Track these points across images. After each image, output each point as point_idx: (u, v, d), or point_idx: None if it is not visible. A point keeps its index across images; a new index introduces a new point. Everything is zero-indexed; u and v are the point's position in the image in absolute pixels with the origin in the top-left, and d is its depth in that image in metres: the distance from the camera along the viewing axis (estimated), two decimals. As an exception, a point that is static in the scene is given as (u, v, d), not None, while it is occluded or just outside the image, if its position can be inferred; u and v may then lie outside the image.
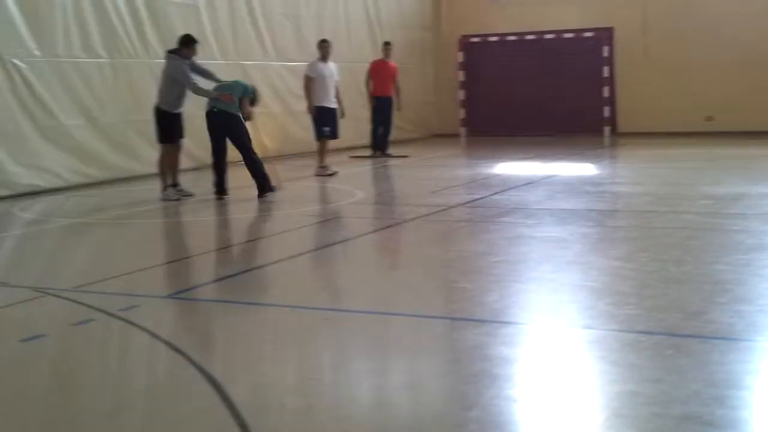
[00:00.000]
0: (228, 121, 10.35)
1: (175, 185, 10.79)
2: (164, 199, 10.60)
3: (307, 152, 15.89)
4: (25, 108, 11.42)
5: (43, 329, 5.33)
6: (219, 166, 10.47)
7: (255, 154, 10.49)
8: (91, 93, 12.37)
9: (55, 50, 11.83)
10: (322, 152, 13.26)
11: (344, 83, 16.68)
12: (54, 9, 11.79)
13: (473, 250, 7.43)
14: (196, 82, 10.59)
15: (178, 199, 10.60)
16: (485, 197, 10.34)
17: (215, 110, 10.37)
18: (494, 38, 20.64)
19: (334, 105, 13.36)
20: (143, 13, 13.14)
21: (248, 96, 10.56)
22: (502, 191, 10.82)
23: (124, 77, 12.88)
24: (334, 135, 13.38)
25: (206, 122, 10.47)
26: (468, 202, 10.12)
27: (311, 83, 13.22)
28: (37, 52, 11.57)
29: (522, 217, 8.88)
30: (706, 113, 18.73)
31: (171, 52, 10.83)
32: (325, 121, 13.20)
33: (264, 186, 10.43)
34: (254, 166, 10.44)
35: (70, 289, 6.20)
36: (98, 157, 12.47)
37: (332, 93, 13.33)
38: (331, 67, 13.43)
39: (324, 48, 13.48)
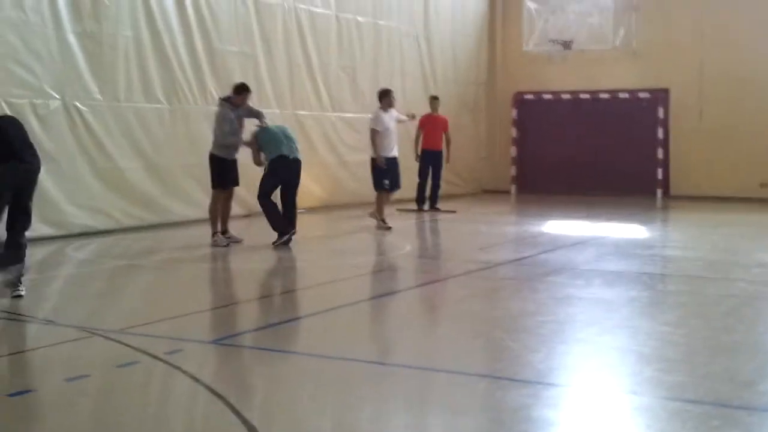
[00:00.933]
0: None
1: (224, 231, 10.89)
2: (213, 245, 10.70)
3: (358, 203, 15.98)
4: (83, 150, 11.67)
5: (88, 369, 5.38)
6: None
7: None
8: (148, 138, 12.61)
9: (116, 95, 12.10)
10: (380, 204, 12.93)
11: (399, 139, 16.83)
12: (117, 55, 12.09)
13: (520, 308, 7.36)
14: (229, 131, 10.73)
15: (227, 245, 10.69)
16: (533, 255, 10.27)
17: (290, 156, 10.81)
18: (548, 96, 20.66)
19: (394, 154, 13.03)
20: (203, 62, 13.41)
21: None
22: (551, 250, 10.73)
23: (182, 123, 13.11)
24: (393, 187, 13.04)
25: (282, 168, 10.76)
26: (516, 260, 10.06)
27: (376, 136, 12.86)
28: (98, 96, 11.85)
29: (570, 278, 8.78)
30: (760, 179, 18.46)
31: (223, 99, 11.04)
32: (384, 173, 12.86)
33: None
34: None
35: (116, 330, 6.26)
36: (152, 200, 12.66)
37: (394, 142, 13.04)
38: (393, 114, 13.17)
39: (386, 98, 13.15)
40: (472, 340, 6.30)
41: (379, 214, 12.90)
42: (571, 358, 5.81)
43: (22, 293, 7.39)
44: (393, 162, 12.97)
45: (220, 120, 10.81)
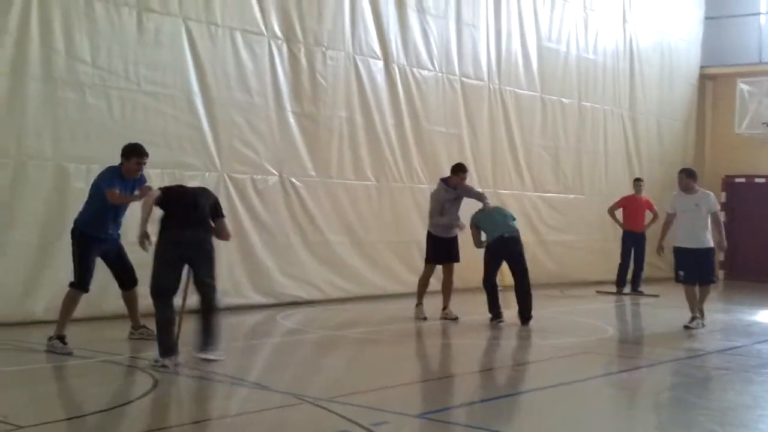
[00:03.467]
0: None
1: (444, 307, 11.12)
2: (415, 317, 10.97)
3: (556, 284, 15.78)
4: (296, 223, 12.29)
5: (302, 435, 5.61)
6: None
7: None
8: (356, 213, 13.13)
9: (328, 171, 12.73)
10: (688, 298, 10.98)
11: (599, 219, 16.56)
12: (332, 135, 12.76)
13: (734, 400, 7.01)
14: (438, 210, 10.95)
15: (424, 319, 10.89)
16: (746, 345, 9.78)
17: (505, 235, 10.72)
18: (761, 180, 19.75)
19: (694, 245, 10.70)
20: (411, 141, 13.88)
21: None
22: (766, 340, 10.17)
23: (388, 200, 13.55)
24: (689, 280, 10.86)
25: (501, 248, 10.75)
26: (727, 349, 9.61)
27: (671, 219, 11.08)
28: (312, 173, 12.51)
29: (789, 371, 8.30)
30: None
31: (442, 179, 11.30)
32: (679, 263, 10.94)
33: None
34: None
35: (323, 398, 6.47)
36: (357, 273, 13.08)
37: (694, 229, 10.72)
38: (697, 198, 10.80)
39: (680, 179, 10.98)
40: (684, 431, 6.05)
41: (691, 310, 10.95)
42: (794, 457, 5.47)
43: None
44: (689, 253, 10.75)
45: (432, 200, 11.20)
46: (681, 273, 10.92)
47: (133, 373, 7.57)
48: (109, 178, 8.27)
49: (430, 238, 11.14)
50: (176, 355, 7.47)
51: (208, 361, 7.59)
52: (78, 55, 10.05)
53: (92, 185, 8.44)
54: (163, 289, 7.54)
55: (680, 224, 10.88)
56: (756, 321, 12.51)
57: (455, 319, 10.96)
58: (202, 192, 8.15)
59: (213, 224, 7.89)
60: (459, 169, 11.18)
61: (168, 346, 7.44)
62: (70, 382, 7.55)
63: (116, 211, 8.34)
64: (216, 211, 7.96)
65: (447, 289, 11.23)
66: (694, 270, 10.77)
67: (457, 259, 11.17)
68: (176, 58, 10.95)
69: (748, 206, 19.93)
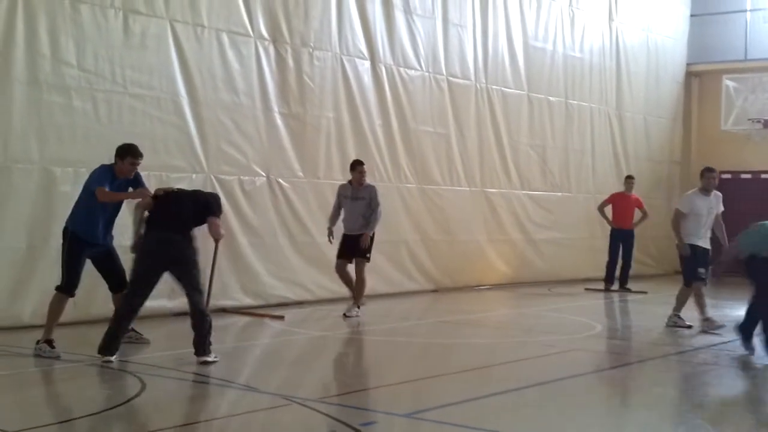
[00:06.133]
0: None
1: (358, 306, 11.24)
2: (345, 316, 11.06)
3: (543, 282, 15.83)
4: (284, 224, 12.27)
5: (291, 436, 5.61)
6: None
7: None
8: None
9: (316, 172, 12.71)
10: (697, 298, 10.98)
11: (587, 217, 16.65)
12: (319, 135, 12.74)
13: (721, 395, 7.06)
14: (337, 207, 11.35)
15: (356, 316, 11.02)
16: (734, 341, 9.81)
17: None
18: (747, 176, 19.86)
19: (705, 245, 11.07)
20: (398, 141, 13.86)
21: None
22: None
23: (376, 200, 13.52)
24: (704, 280, 11.03)
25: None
26: (715, 345, 9.66)
27: (681, 219, 11.02)
28: (300, 173, 12.49)
29: (776, 366, 8.34)
30: None
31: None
32: (697, 261, 11.01)
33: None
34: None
35: (313, 399, 6.47)
36: (344, 273, 13.06)
37: (707, 231, 11.12)
38: (712, 199, 11.08)
39: (707, 179, 11.01)
40: (673, 428, 6.08)
41: (700, 312, 10.98)
42: (781, 452, 5.51)
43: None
44: (704, 253, 11.04)
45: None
46: (702, 270, 10.95)
47: (121, 376, 7.56)
48: (98, 177, 8.21)
49: (342, 236, 11.33)
50: (112, 354, 7.80)
51: (206, 363, 7.66)
52: (64, 58, 10.00)
53: (84, 186, 8.38)
54: (130, 285, 7.99)
55: (699, 224, 11.04)
56: (743, 317, 12.52)
57: (357, 316, 11.05)
58: (190, 196, 8.22)
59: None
60: (353, 165, 11.40)
61: (106, 344, 7.76)
62: (57, 385, 7.53)
63: (107, 214, 8.27)
64: (206, 210, 8.03)
65: (357, 285, 11.26)
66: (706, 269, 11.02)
67: (362, 256, 11.21)
68: (162, 60, 10.91)
69: (734, 202, 19.98)
